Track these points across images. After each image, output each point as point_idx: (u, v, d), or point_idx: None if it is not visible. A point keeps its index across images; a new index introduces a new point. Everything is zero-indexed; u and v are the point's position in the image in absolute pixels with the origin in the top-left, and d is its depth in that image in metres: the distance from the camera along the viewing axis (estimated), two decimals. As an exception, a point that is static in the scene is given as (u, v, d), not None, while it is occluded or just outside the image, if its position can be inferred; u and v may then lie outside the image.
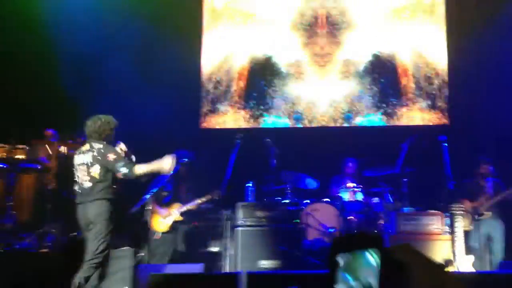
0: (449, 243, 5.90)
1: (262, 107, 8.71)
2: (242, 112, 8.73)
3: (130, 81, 7.91)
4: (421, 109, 8.52)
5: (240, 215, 6.31)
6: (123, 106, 7.38)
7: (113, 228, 4.68)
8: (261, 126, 8.66)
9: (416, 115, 8.52)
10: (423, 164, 7.06)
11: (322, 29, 8.77)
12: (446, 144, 6.38)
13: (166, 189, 6.70)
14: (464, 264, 5.71)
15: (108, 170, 4.73)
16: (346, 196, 7.23)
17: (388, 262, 1.32)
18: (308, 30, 8.79)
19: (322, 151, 7.97)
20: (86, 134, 4.91)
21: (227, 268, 6.14)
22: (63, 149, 7.47)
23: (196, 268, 5.52)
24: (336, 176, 7.75)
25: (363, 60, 8.67)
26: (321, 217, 6.73)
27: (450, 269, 5.44)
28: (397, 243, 5.63)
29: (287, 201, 6.91)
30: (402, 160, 6.92)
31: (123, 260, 5.18)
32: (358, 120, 8.58)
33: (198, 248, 6.75)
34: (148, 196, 5.88)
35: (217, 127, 8.71)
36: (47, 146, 7.46)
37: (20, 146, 7.25)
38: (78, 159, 4.84)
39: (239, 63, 8.83)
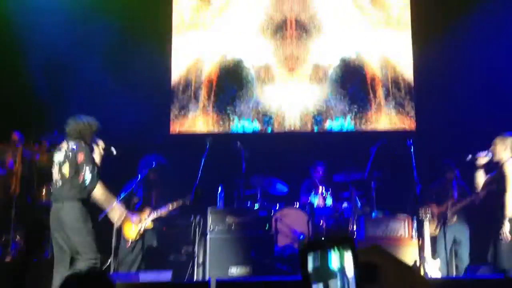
0: (416, 247, 5.98)
1: (231, 111, 8.67)
2: (212, 116, 8.68)
3: (99, 85, 7.80)
4: (389, 113, 8.62)
5: (210, 221, 6.27)
6: (92, 110, 7.23)
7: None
8: (231, 130, 8.63)
9: (384, 119, 8.62)
10: (391, 168, 7.15)
11: (291, 33, 8.79)
12: (413, 149, 6.47)
13: (137, 195, 6.61)
14: (431, 268, 5.80)
15: (77, 170, 4.68)
16: (316, 201, 7.26)
17: (357, 264, 1.31)
18: (278, 34, 8.79)
19: (292, 155, 7.98)
20: (66, 133, 4.90)
21: (196, 275, 6.09)
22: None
23: (165, 275, 5.47)
24: (306, 181, 7.78)
25: (332, 64, 8.72)
26: (291, 222, 6.73)
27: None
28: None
29: (257, 206, 6.89)
30: (370, 165, 6.98)
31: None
32: (328, 125, 8.63)
33: (167, 255, 6.67)
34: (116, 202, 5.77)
35: (187, 131, 8.63)
36: (12, 150, 7.26)
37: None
38: (55, 157, 4.86)
39: (208, 67, 8.77)
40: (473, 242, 6.68)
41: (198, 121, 8.66)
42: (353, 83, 8.70)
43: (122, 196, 6.00)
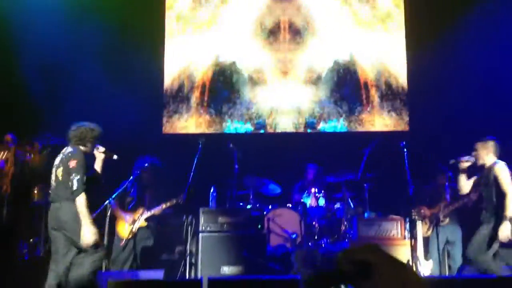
0: (409, 248, 5.98)
1: (224, 112, 8.68)
2: (205, 118, 8.68)
3: (92, 87, 7.85)
4: (382, 115, 8.65)
5: (202, 220, 6.25)
6: (85, 112, 7.24)
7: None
8: (223, 131, 8.63)
9: (377, 121, 8.64)
10: (384, 170, 7.16)
11: (285, 35, 8.82)
12: (406, 150, 6.48)
13: (131, 195, 6.60)
14: (424, 269, 5.81)
15: (69, 174, 4.72)
16: (309, 201, 7.27)
17: (351, 262, 1.31)
18: (271, 36, 8.82)
19: (285, 156, 7.99)
20: (68, 138, 4.96)
21: (188, 274, 6.06)
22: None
23: (157, 274, 5.44)
24: (298, 181, 7.79)
25: (325, 66, 8.75)
26: (283, 222, 6.74)
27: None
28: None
29: (249, 206, 6.89)
30: (363, 166, 7.00)
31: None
32: (321, 126, 8.65)
33: (159, 254, 6.64)
34: (108, 202, 5.77)
35: (180, 132, 8.63)
36: (4, 150, 7.23)
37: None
38: (56, 159, 4.94)
39: (202, 68, 8.79)
40: (466, 243, 6.68)
41: (191, 122, 8.66)
42: (346, 85, 8.73)
43: (114, 196, 5.96)
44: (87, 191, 4.72)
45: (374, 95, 8.69)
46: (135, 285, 4.71)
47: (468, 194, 6.02)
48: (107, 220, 5.69)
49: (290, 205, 7.14)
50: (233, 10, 8.92)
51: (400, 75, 8.70)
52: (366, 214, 6.79)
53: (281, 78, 8.75)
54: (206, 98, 8.72)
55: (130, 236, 6.34)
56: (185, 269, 5.83)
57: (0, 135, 7.38)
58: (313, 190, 7.32)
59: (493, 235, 5.39)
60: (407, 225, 6.24)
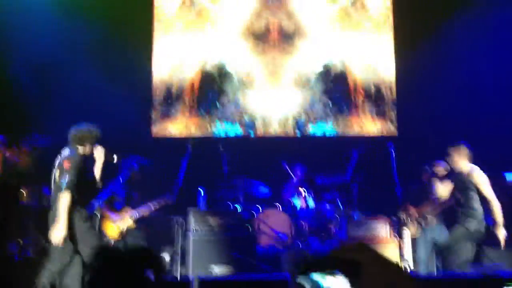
0: (397, 248, 6.04)
1: (214, 114, 8.69)
2: (194, 120, 8.68)
3: (81, 89, 7.83)
4: (371, 118, 8.71)
5: (192, 221, 6.26)
6: (74, 113, 7.24)
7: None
8: (213, 134, 8.64)
9: (365, 124, 8.71)
10: (372, 171, 7.22)
11: (274, 38, 8.86)
12: (394, 151, 6.56)
13: (119, 196, 6.58)
14: (411, 269, 5.86)
15: (62, 174, 4.76)
16: (298, 202, 7.30)
17: (341, 261, 1.34)
18: (261, 39, 8.86)
19: (274, 159, 8.01)
20: (68, 140, 4.99)
21: (178, 275, 6.06)
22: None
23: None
24: (288, 183, 7.81)
25: (314, 69, 8.80)
26: (273, 223, 6.76)
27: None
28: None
29: (239, 208, 6.91)
30: (352, 168, 7.06)
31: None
32: (310, 129, 8.69)
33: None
34: (98, 203, 5.74)
35: (169, 134, 8.63)
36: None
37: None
38: (54, 162, 4.97)
39: (191, 70, 8.79)
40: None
41: (180, 124, 8.66)
42: (335, 88, 8.79)
43: (105, 198, 5.95)
44: (83, 194, 4.80)
45: (363, 98, 8.76)
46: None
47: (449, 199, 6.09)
48: (98, 220, 5.67)
49: (280, 206, 7.17)
50: (223, 12, 8.95)
51: (388, 78, 8.78)
52: (355, 215, 6.84)
53: (271, 80, 8.79)
54: (195, 100, 8.73)
55: (120, 237, 6.32)
56: (175, 270, 5.83)
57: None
58: (302, 191, 7.35)
59: (470, 238, 5.49)
60: (395, 226, 6.31)
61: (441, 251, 5.82)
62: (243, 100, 8.75)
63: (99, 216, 5.80)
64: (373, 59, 8.85)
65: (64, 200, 4.68)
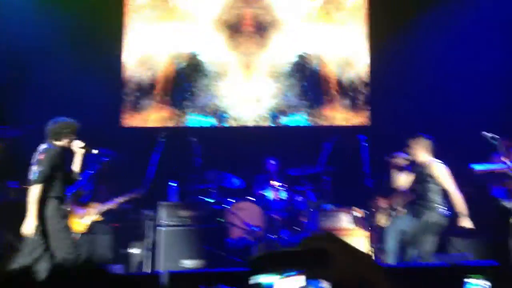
0: (367, 238, 6.10)
1: (186, 105, 8.62)
2: (166, 110, 8.60)
3: (50, 80, 7.70)
4: (344, 109, 8.74)
5: (163, 214, 6.22)
6: (43, 104, 7.15)
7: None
8: (185, 124, 8.57)
9: (338, 115, 8.73)
10: (344, 163, 7.25)
11: (248, 28, 8.81)
12: (366, 143, 6.60)
13: (85, 189, 6.48)
14: (381, 258, 5.92)
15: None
16: (270, 194, 7.30)
17: (310, 250, 1.33)
18: (234, 29, 8.79)
19: (247, 150, 8.00)
20: (46, 134, 5.00)
21: (148, 268, 6.02)
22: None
23: (116, 269, 5.38)
24: (260, 175, 7.81)
25: (288, 60, 8.78)
26: (245, 216, 6.75)
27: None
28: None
29: (211, 200, 6.87)
30: (324, 159, 7.08)
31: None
32: (283, 120, 8.69)
33: (118, 249, 6.56)
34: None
35: (140, 125, 8.53)
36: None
37: None
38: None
39: (163, 60, 8.69)
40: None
41: (151, 115, 8.57)
42: (308, 79, 8.78)
43: (73, 192, 5.86)
44: (60, 188, 4.85)
45: (336, 89, 8.77)
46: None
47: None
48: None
49: (252, 198, 7.16)
50: (196, 1, 8.85)
51: (362, 69, 8.80)
52: (326, 206, 6.87)
53: (244, 71, 8.74)
54: (167, 91, 8.64)
55: (84, 231, 6.23)
56: (145, 264, 5.79)
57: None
58: (274, 183, 7.35)
59: (429, 230, 5.55)
60: (366, 216, 6.36)
61: (406, 242, 5.86)
62: (216, 91, 8.69)
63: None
64: (347, 51, 8.85)
65: (34, 191, 4.69)
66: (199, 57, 8.70)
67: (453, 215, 5.59)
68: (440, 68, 8.17)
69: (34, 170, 4.75)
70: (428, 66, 8.13)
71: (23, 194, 5.11)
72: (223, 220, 6.55)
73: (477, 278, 3.49)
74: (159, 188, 6.68)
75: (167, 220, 6.16)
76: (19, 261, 4.69)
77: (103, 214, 6.38)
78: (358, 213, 6.60)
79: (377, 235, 6.20)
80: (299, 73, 8.78)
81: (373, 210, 6.21)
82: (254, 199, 7.15)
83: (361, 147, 6.63)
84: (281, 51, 8.80)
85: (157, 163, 6.42)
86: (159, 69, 8.66)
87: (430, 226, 5.58)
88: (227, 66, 8.72)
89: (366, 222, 6.29)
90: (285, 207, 7.13)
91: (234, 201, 6.97)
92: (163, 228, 6.11)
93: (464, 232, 5.68)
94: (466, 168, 6.16)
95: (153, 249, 6.18)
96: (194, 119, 8.59)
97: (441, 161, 5.73)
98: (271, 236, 6.69)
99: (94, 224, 6.33)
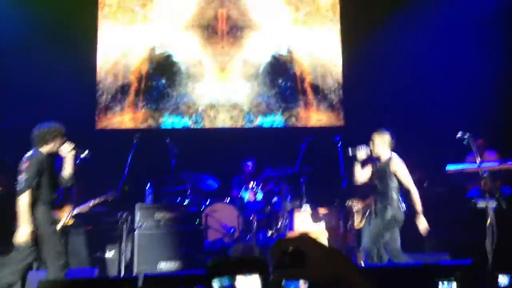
0: (343, 239, 6.12)
1: (161, 107, 8.56)
2: (140, 112, 8.52)
3: (23, 81, 7.59)
4: (318, 110, 8.79)
5: (138, 217, 6.15)
6: (16, 105, 7.04)
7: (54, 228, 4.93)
8: (160, 126, 8.51)
9: (313, 116, 8.78)
10: (320, 163, 7.28)
11: (223, 29, 8.79)
12: (341, 144, 6.62)
13: (57, 191, 6.36)
14: (356, 259, 5.95)
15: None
16: (247, 196, 7.30)
17: (285, 251, 1.32)
18: (209, 29, 8.77)
19: (223, 151, 7.98)
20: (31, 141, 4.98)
21: (124, 272, 5.94)
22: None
23: (90, 272, 5.30)
24: (236, 176, 7.80)
25: (263, 61, 8.80)
26: (221, 217, 6.74)
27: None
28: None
29: (187, 202, 6.83)
30: (300, 160, 7.09)
31: (10, 267, 4.87)
32: (259, 121, 8.69)
33: (93, 252, 6.47)
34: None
35: (114, 127, 8.43)
36: None
37: None
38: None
39: (137, 61, 8.61)
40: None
41: (125, 117, 8.48)
42: (283, 79, 8.80)
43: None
44: (49, 193, 4.91)
45: (311, 90, 8.81)
46: (67, 284, 4.57)
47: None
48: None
49: (228, 200, 7.14)
50: (170, 1, 8.79)
51: (335, 69, 8.86)
52: (302, 207, 6.88)
53: (219, 72, 8.72)
54: (141, 92, 8.56)
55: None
56: (120, 267, 5.71)
57: None
58: (251, 184, 7.35)
59: (386, 228, 5.55)
60: (341, 217, 6.39)
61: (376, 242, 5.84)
62: (191, 92, 8.65)
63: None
64: (321, 52, 8.91)
65: (23, 200, 4.69)
66: (174, 58, 8.65)
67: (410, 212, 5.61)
68: (414, 67, 8.26)
69: (20, 180, 4.73)
70: (401, 66, 8.22)
71: None
72: (199, 222, 6.50)
73: (449, 280, 3.52)
74: (134, 190, 6.60)
75: (143, 222, 6.09)
76: (12, 267, 4.69)
77: (76, 217, 6.28)
78: (326, 212, 6.63)
79: (353, 236, 6.23)
80: (275, 74, 8.80)
81: (349, 210, 6.23)
82: (230, 200, 7.13)
83: (337, 148, 6.65)
84: (256, 51, 8.81)
85: (132, 165, 6.34)
86: (133, 70, 8.58)
87: (394, 223, 5.53)
88: (202, 67, 8.68)
89: (342, 223, 6.31)
90: (261, 208, 7.13)
91: (210, 202, 6.93)
92: (139, 231, 6.04)
93: (440, 231, 5.72)
94: (441, 168, 6.23)
95: (128, 252, 6.11)
96: (169, 121, 8.53)
97: (397, 155, 5.67)
98: (247, 237, 6.68)
99: (66, 228, 6.22)
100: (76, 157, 6.34)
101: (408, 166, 5.73)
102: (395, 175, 5.57)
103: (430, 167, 7.01)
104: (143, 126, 8.41)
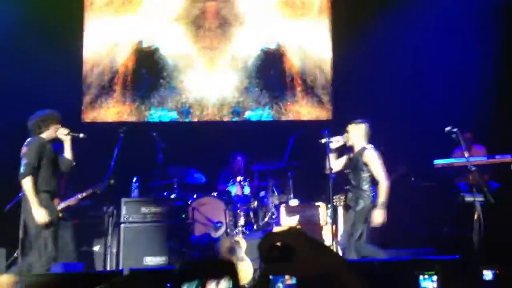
0: (331, 233, 6.11)
1: (148, 100, 8.48)
2: (127, 105, 8.44)
3: (8, 73, 7.47)
4: (307, 104, 8.76)
5: (124, 211, 6.10)
6: (1, 99, 6.95)
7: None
8: (147, 119, 8.43)
9: (302, 110, 8.75)
10: (307, 158, 7.26)
11: (211, 22, 8.71)
12: (329, 138, 6.58)
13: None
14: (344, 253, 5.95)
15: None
16: (234, 190, 7.27)
17: (273, 246, 1.29)
18: (197, 22, 8.69)
19: (210, 145, 7.94)
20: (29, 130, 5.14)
21: (110, 266, 5.90)
22: None
23: (76, 267, 5.26)
24: (224, 170, 7.76)
25: (251, 54, 8.74)
26: (208, 211, 6.70)
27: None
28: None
29: (173, 196, 6.79)
30: (288, 154, 7.07)
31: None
32: (247, 115, 8.65)
33: (79, 247, 6.40)
34: (21, 193, 5.48)
35: (100, 120, 8.34)
36: None
37: None
38: None
39: (124, 54, 8.51)
40: (384, 227, 6.90)
41: (112, 110, 8.40)
42: (272, 73, 8.77)
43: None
44: (49, 179, 5.03)
45: (299, 84, 8.78)
46: (53, 278, 4.51)
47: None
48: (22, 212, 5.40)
49: (215, 194, 7.10)
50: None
51: (324, 64, 8.84)
52: (290, 202, 6.87)
53: (207, 65, 8.65)
54: (128, 86, 8.48)
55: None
56: (106, 261, 5.67)
57: None
58: (238, 178, 7.32)
59: (358, 219, 5.49)
60: (329, 211, 6.38)
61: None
62: (178, 85, 8.58)
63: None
64: (310, 45, 8.87)
65: (27, 184, 4.84)
66: (161, 51, 8.57)
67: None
68: (403, 63, 8.26)
69: (21, 164, 4.88)
70: (391, 61, 8.20)
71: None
72: (186, 216, 6.46)
73: (430, 274, 3.51)
74: (120, 184, 6.53)
75: (129, 216, 6.04)
76: (47, 254, 4.89)
77: (63, 210, 6.21)
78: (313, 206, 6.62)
79: (341, 230, 6.22)
80: (263, 67, 8.75)
81: (337, 205, 6.22)
82: (218, 195, 7.09)
83: (325, 142, 6.62)
84: (244, 45, 8.76)
85: (118, 159, 6.27)
86: (120, 63, 8.48)
87: (366, 215, 5.47)
88: (190, 60, 8.61)
89: (330, 217, 6.30)
90: (248, 202, 7.10)
91: (197, 196, 6.89)
92: (125, 225, 5.99)
93: (427, 226, 5.73)
94: (429, 162, 6.25)
95: (114, 246, 6.06)
96: (156, 114, 8.46)
97: (373, 147, 5.60)
98: (234, 231, 6.65)
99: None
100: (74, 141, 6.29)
101: (396, 161, 5.73)
102: (367, 166, 5.51)
103: (418, 161, 7.01)
104: (130, 119, 8.33)
